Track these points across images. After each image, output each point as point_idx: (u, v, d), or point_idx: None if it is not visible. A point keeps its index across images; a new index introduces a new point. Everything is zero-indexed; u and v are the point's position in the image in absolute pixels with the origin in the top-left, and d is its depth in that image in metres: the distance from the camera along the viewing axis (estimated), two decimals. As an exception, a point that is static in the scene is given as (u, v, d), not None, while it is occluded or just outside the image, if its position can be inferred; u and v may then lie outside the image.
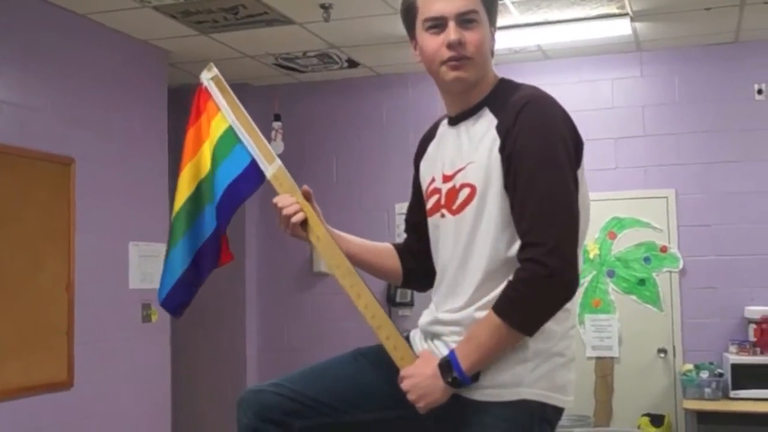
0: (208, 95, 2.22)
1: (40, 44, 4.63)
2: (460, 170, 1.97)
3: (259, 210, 6.54)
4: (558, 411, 1.93)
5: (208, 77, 2.22)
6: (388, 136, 6.38)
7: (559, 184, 1.85)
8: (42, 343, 4.51)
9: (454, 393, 1.90)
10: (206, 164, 2.22)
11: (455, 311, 1.95)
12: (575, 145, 1.92)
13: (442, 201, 2.01)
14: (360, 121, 6.46)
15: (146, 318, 5.31)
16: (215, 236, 2.25)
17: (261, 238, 6.56)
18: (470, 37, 1.93)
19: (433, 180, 2.07)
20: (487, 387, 1.88)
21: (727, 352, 5.44)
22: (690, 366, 5.47)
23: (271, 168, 2.15)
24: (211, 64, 2.25)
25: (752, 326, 5.45)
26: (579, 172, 1.93)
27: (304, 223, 2.10)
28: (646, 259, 5.76)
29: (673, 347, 5.74)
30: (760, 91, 5.73)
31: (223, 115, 2.19)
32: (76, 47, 4.89)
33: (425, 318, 2.06)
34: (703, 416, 5.19)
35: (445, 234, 2.01)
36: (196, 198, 2.27)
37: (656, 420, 5.52)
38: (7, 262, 4.31)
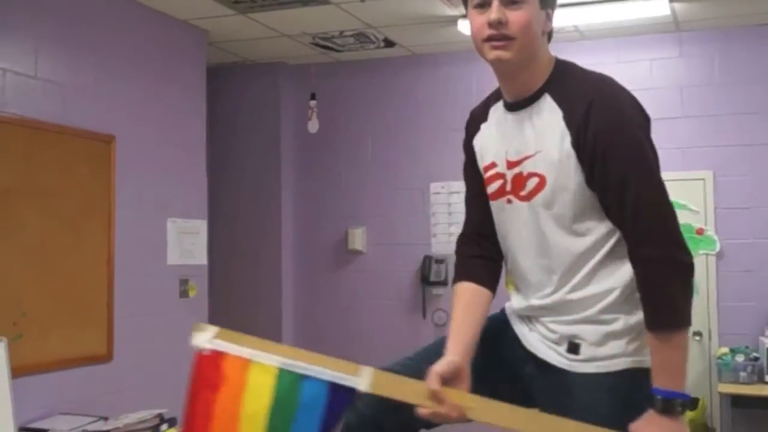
0: (220, 355, 1.80)
1: (81, 24, 4.69)
2: (526, 158, 1.98)
3: (294, 186, 6.59)
4: (649, 371, 1.96)
5: (208, 337, 1.82)
6: (423, 116, 6.38)
7: (649, 185, 1.87)
8: (83, 317, 4.60)
9: (554, 365, 1.98)
10: None
11: (546, 296, 2.00)
12: (648, 130, 1.94)
13: (508, 187, 2.03)
14: (395, 101, 6.47)
15: (183, 293, 5.39)
16: None
17: (297, 214, 6.62)
18: (514, 16, 1.91)
19: (493, 164, 2.07)
20: (590, 359, 1.96)
21: (763, 336, 5.40)
22: (725, 349, 5.45)
23: (363, 377, 1.75)
24: (199, 324, 1.86)
25: (789, 310, 5.42)
26: None
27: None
28: (683, 242, 5.71)
29: (709, 330, 5.71)
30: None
31: (260, 363, 1.77)
32: (117, 27, 4.95)
33: (518, 304, 2.10)
34: (737, 400, 5.17)
35: (517, 219, 2.03)
36: None
37: (691, 403, 5.51)
38: (49, 238, 4.39)
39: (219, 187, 6.29)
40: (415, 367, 1.96)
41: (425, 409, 1.81)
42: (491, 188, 2.08)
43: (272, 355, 1.77)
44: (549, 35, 2.03)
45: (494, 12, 1.91)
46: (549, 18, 2.00)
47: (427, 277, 6.17)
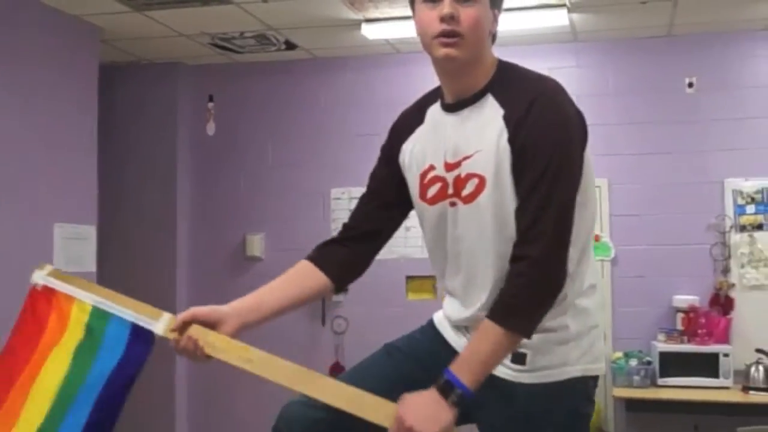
0: (50, 291, 1.99)
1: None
2: (465, 158, 1.92)
3: (190, 190, 6.43)
4: (596, 380, 1.97)
5: (42, 274, 2.01)
6: (325, 120, 6.30)
7: (564, 191, 1.85)
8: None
9: (497, 376, 1.90)
10: (63, 366, 1.92)
11: (492, 304, 1.92)
12: (583, 140, 1.93)
13: (450, 190, 1.97)
14: (296, 104, 6.38)
15: (72, 302, 5.17)
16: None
17: (193, 220, 6.44)
18: (466, 13, 1.87)
19: (432, 167, 2.01)
20: (534, 370, 1.91)
21: (655, 341, 5.53)
22: (620, 354, 5.55)
23: (161, 322, 1.96)
24: (40, 263, 2.07)
25: (680, 315, 5.56)
26: (585, 154, 1.95)
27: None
28: (579, 248, 5.81)
29: (604, 335, 5.79)
30: (690, 85, 5.82)
31: (79, 300, 1.96)
32: (2, 21, 4.71)
33: (458, 314, 2.03)
34: (631, 404, 5.28)
35: (463, 222, 1.96)
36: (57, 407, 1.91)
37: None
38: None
39: (110, 191, 6.06)
40: (360, 388, 1.93)
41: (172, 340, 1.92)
42: (430, 192, 2.02)
43: (90, 294, 1.96)
44: (493, 37, 2.00)
45: (447, 6, 1.86)
46: (496, 19, 1.97)
47: (327, 284, 6.08)
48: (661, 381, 5.34)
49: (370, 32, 5.50)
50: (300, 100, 6.38)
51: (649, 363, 5.40)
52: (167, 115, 6.34)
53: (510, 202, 1.88)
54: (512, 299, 1.82)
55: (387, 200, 2.13)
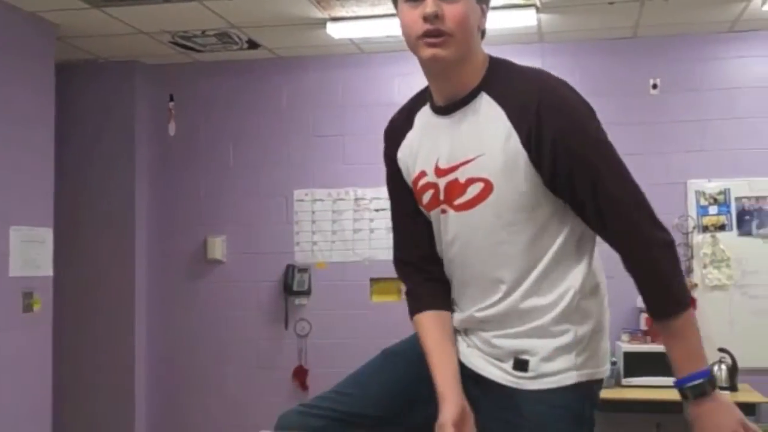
0: None
1: None
2: (464, 163, 1.84)
3: (150, 192, 6.30)
4: (600, 383, 1.93)
5: None
6: (288, 120, 6.21)
7: (623, 177, 1.84)
8: None
9: (497, 383, 1.86)
10: None
11: (491, 307, 1.89)
12: (596, 117, 1.89)
13: (441, 196, 1.89)
14: (259, 105, 6.28)
15: (27, 307, 5.02)
16: None
17: (152, 222, 6.31)
18: (451, 10, 1.78)
19: (423, 174, 1.93)
20: (539, 376, 1.84)
21: (619, 341, 5.53)
22: (584, 355, 5.53)
23: None
24: None
25: (643, 315, 5.55)
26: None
27: None
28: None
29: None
30: (654, 86, 5.84)
31: None
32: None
33: (457, 316, 1.98)
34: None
35: (453, 229, 1.90)
36: None
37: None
38: None
39: (68, 193, 5.91)
40: (358, 395, 1.89)
41: None
42: (425, 199, 1.95)
43: None
44: (482, 33, 1.91)
45: (429, 5, 1.77)
46: (484, 14, 1.89)
47: (289, 286, 6.01)
48: (625, 381, 5.36)
49: (336, 31, 5.43)
50: (262, 100, 6.29)
51: (613, 363, 5.40)
52: (126, 115, 6.20)
53: (520, 203, 1.82)
54: (659, 290, 1.81)
55: (418, 217, 2.03)
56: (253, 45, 5.95)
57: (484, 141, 1.82)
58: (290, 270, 6.04)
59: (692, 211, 5.73)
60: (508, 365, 1.87)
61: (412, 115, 2.00)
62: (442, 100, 1.90)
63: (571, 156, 1.77)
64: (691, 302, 1.84)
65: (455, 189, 1.86)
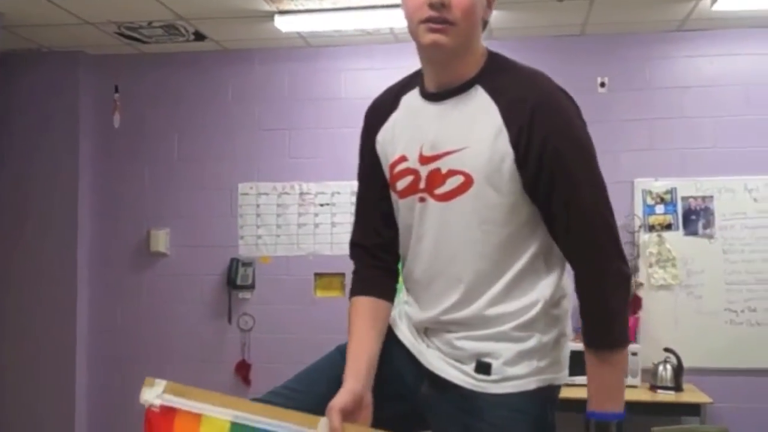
0: (171, 411, 1.73)
1: None
2: (449, 153, 1.80)
3: (92, 184, 6.19)
4: (560, 388, 1.94)
5: (157, 392, 1.75)
6: (233, 114, 6.14)
7: (601, 192, 1.79)
8: None
9: (457, 385, 1.83)
10: None
11: (456, 310, 1.84)
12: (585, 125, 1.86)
13: (422, 184, 1.84)
14: (204, 97, 6.20)
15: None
16: None
17: (95, 214, 6.21)
18: (458, 0, 1.75)
19: (403, 158, 1.88)
20: (500, 380, 1.82)
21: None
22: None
23: (320, 430, 1.71)
24: (149, 379, 1.79)
25: (587, 314, 5.59)
26: None
27: None
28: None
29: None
30: (602, 84, 5.87)
31: (211, 417, 1.70)
32: None
33: (415, 315, 1.93)
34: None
35: (428, 220, 1.85)
36: None
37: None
38: None
39: (9, 184, 5.80)
40: (306, 392, 1.84)
41: None
42: (401, 185, 1.89)
43: (224, 409, 1.70)
44: (485, 24, 1.89)
45: None
46: (489, 6, 1.87)
47: (233, 280, 5.95)
48: (569, 380, 5.33)
49: (283, 24, 5.37)
50: (208, 92, 6.21)
51: (558, 362, 5.41)
52: (70, 105, 6.09)
53: (498, 203, 1.78)
54: (602, 320, 1.79)
55: (383, 203, 1.99)
56: (199, 37, 5.87)
57: (472, 134, 1.79)
58: (234, 264, 5.98)
59: (639, 210, 5.76)
60: (470, 367, 1.85)
61: (399, 97, 1.96)
62: (435, 86, 1.87)
63: (557, 159, 1.75)
64: (629, 341, 1.85)
65: (436, 178, 1.83)
